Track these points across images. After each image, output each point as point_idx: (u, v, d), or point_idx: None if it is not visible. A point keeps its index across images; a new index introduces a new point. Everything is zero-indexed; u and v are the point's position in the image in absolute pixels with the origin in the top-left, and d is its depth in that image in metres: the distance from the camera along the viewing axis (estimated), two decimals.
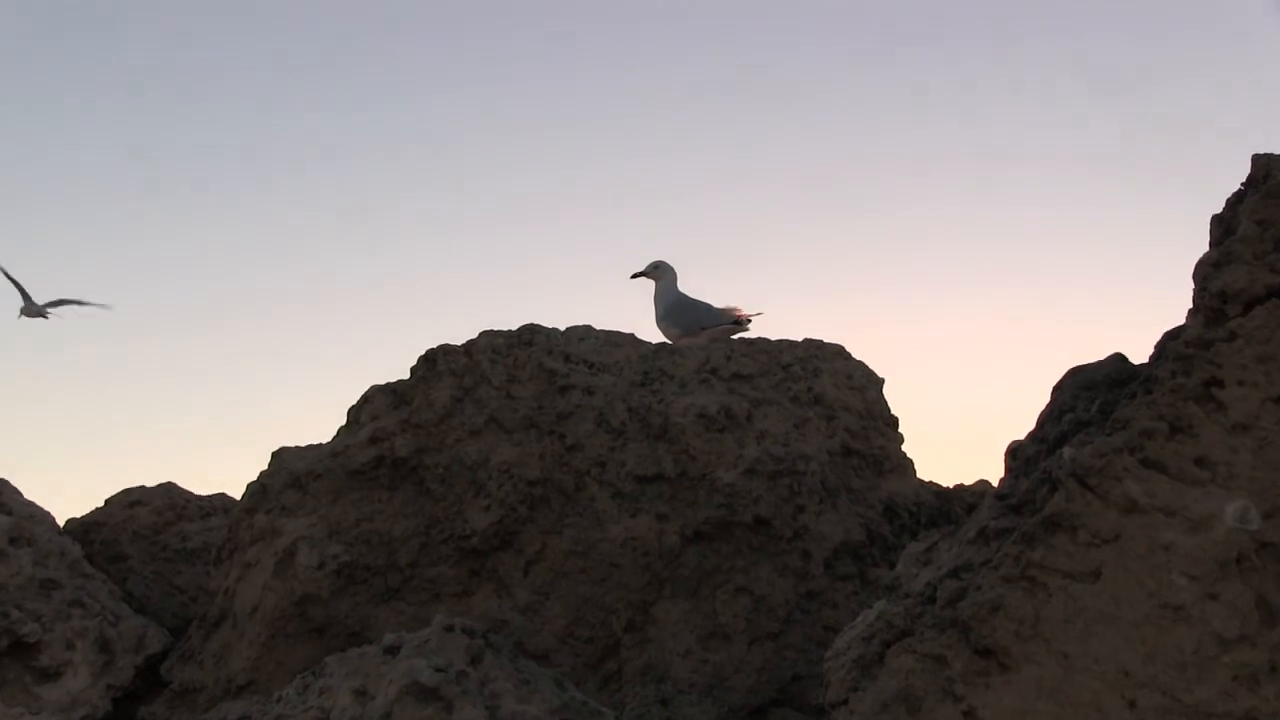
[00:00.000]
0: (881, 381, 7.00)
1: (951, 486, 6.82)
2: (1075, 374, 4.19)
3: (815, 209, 22.92)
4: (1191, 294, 3.68)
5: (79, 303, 9.02)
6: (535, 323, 6.87)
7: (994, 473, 9.31)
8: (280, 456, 6.95)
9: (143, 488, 8.45)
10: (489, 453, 6.34)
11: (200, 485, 11.56)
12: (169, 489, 8.49)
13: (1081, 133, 20.40)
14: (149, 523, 8.17)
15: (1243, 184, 3.75)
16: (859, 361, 7.03)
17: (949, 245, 22.58)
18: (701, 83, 22.92)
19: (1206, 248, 3.72)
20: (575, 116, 23.81)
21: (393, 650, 4.93)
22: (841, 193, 22.76)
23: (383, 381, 6.89)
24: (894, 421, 6.91)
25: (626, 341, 6.93)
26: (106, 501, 8.37)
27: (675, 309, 7.30)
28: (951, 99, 21.43)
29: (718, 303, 7.28)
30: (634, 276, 7.61)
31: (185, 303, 23.06)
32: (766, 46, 22.21)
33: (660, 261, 7.53)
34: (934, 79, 21.41)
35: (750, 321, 7.13)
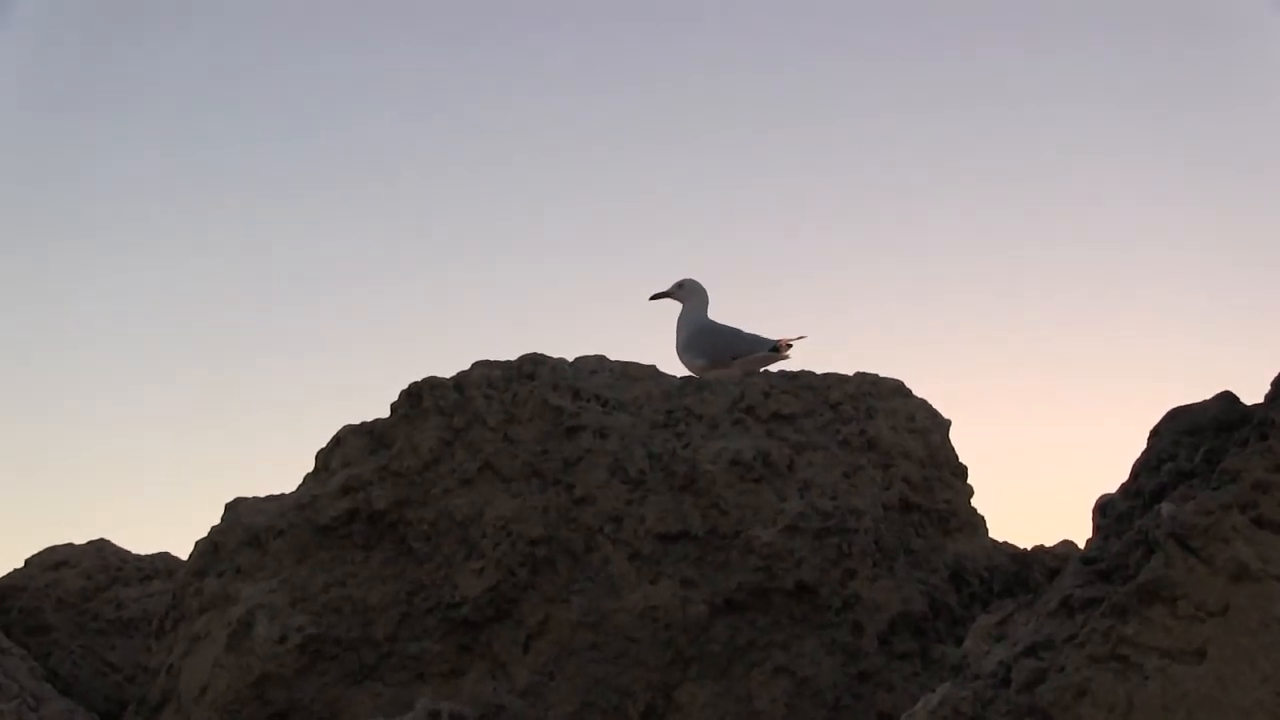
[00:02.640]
0: (947, 424, 7.04)
1: (1030, 548, 6.85)
2: (1176, 416, 4.20)
3: (870, 229, 22.89)
4: None
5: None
6: (538, 352, 6.93)
7: (1080, 532, 9.37)
8: (235, 509, 7.05)
9: (70, 545, 8.57)
10: (483, 506, 6.43)
11: (138, 543, 11.63)
12: (101, 547, 8.60)
13: (1176, 151, 20.39)
14: (77, 587, 8.27)
15: None
16: (921, 400, 7.08)
17: (1027, 271, 22.50)
18: (739, 88, 23.01)
19: None
20: (588, 121, 23.85)
21: None
22: (902, 212, 22.73)
23: (357, 421, 6.99)
24: (962, 471, 6.95)
25: (646, 375, 6.99)
26: (26, 562, 8.49)
27: (699, 335, 7.26)
28: (1041, 116, 21.49)
29: (751, 328, 7.26)
30: (654, 298, 7.53)
31: (124, 324, 23.03)
32: (819, 51, 22.31)
33: (687, 280, 7.48)
34: (1016, 95, 21.49)
35: (790, 349, 7.13)
